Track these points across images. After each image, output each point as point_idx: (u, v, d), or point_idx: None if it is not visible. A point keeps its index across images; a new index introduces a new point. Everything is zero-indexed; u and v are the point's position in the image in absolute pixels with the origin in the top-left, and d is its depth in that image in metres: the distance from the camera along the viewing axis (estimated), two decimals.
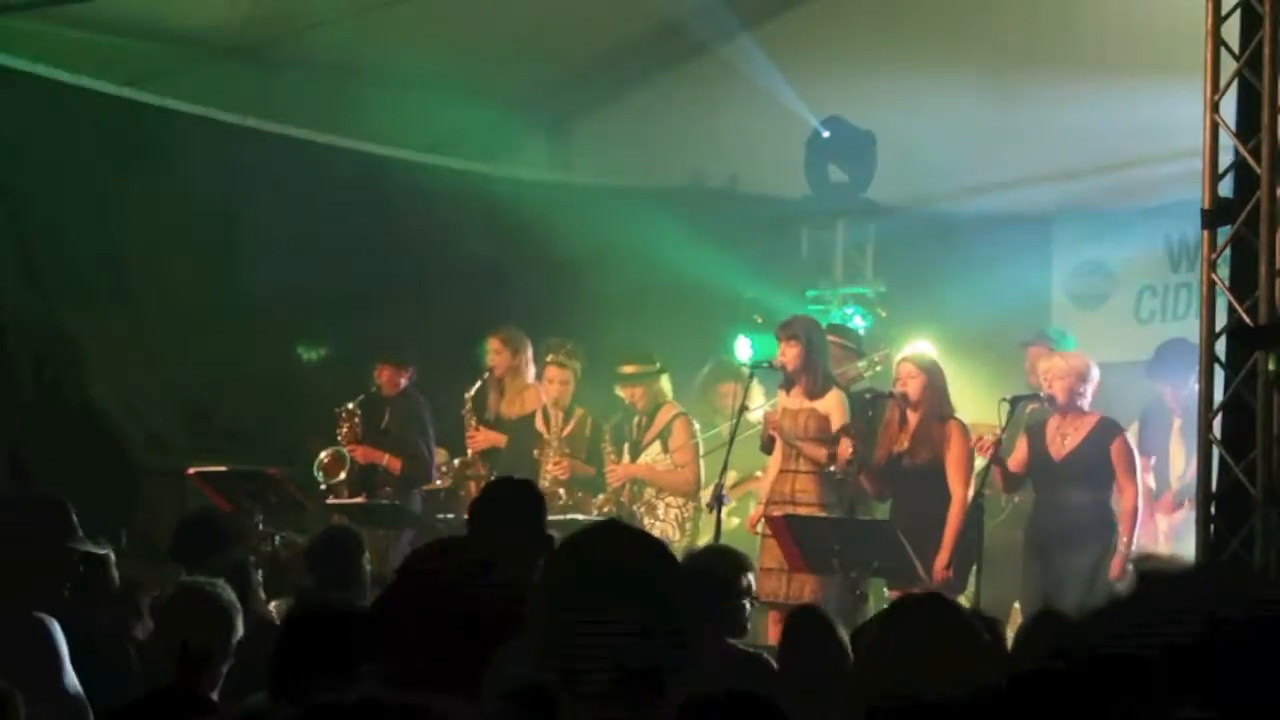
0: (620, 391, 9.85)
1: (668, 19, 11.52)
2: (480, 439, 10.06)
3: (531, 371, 10.23)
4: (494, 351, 10.17)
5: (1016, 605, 8.72)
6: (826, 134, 11.15)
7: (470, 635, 3.05)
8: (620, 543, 2.59)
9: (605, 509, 9.61)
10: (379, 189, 11.29)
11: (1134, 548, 8.42)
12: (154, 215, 10.37)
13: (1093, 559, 8.41)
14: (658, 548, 2.63)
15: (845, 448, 8.60)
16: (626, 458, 9.76)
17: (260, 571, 7.50)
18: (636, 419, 9.82)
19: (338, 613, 3.99)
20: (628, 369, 9.81)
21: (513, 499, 5.16)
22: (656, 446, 9.72)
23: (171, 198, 10.39)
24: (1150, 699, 1.24)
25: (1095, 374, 8.77)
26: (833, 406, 8.86)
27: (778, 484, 8.94)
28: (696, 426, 9.87)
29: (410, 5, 10.18)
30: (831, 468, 8.71)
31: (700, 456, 9.78)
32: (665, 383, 9.91)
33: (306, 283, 10.81)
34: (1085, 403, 8.70)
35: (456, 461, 10.11)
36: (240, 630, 4.77)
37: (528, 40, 11.38)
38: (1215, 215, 6.68)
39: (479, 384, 10.15)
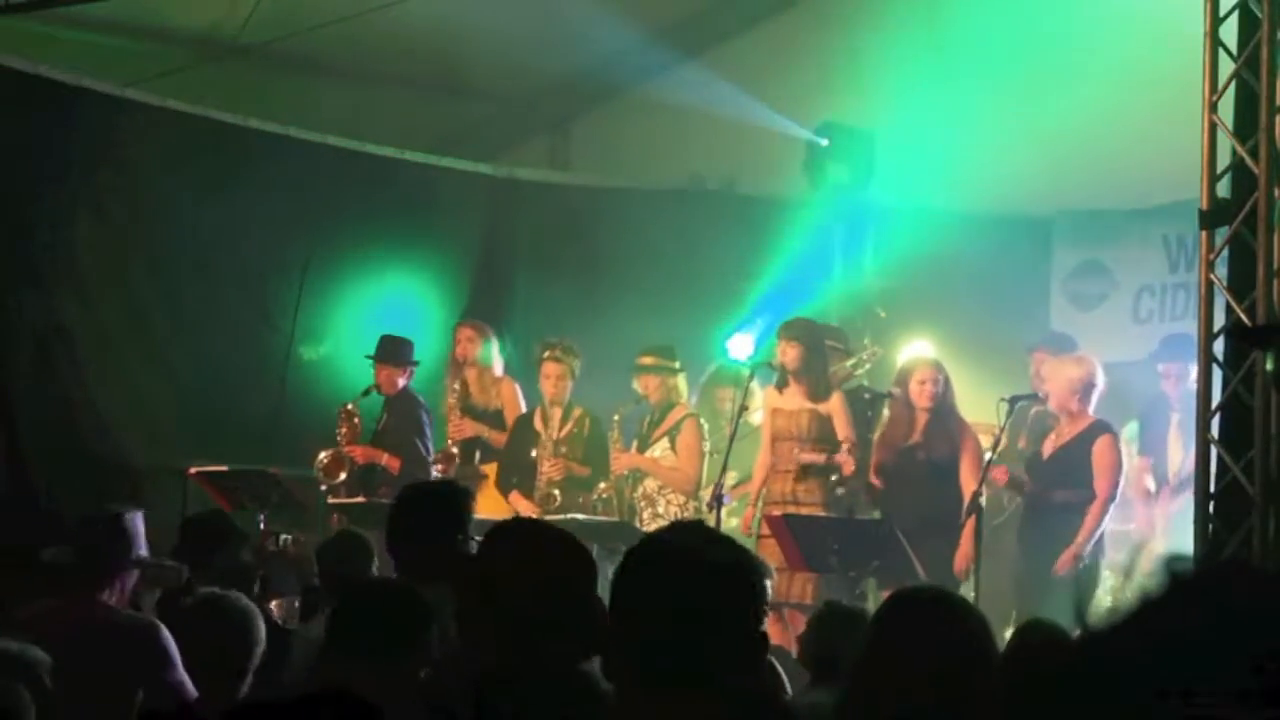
0: (635, 382, 9.74)
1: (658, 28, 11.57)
2: (466, 428, 10.02)
3: (501, 363, 10.18)
4: (466, 340, 10.09)
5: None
6: (824, 142, 11.17)
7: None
8: (712, 544, 2.63)
9: (605, 495, 9.58)
10: (379, 189, 11.30)
11: (1091, 547, 8.39)
12: (154, 214, 10.39)
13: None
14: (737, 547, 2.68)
15: (849, 465, 8.67)
16: (634, 450, 9.71)
17: (260, 571, 7.51)
18: (647, 416, 9.77)
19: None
20: (646, 359, 9.70)
21: (427, 512, 5.04)
22: (664, 443, 9.62)
23: (173, 197, 10.42)
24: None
25: (1095, 378, 8.75)
26: (836, 410, 8.92)
27: (778, 484, 8.96)
28: (706, 429, 9.85)
29: (410, 6, 10.19)
30: (833, 477, 8.76)
31: (705, 458, 9.76)
32: (681, 382, 9.82)
33: (305, 281, 10.83)
34: (1084, 406, 8.69)
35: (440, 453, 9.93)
36: (262, 637, 4.69)
37: (528, 40, 11.39)
38: (1213, 216, 6.71)
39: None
